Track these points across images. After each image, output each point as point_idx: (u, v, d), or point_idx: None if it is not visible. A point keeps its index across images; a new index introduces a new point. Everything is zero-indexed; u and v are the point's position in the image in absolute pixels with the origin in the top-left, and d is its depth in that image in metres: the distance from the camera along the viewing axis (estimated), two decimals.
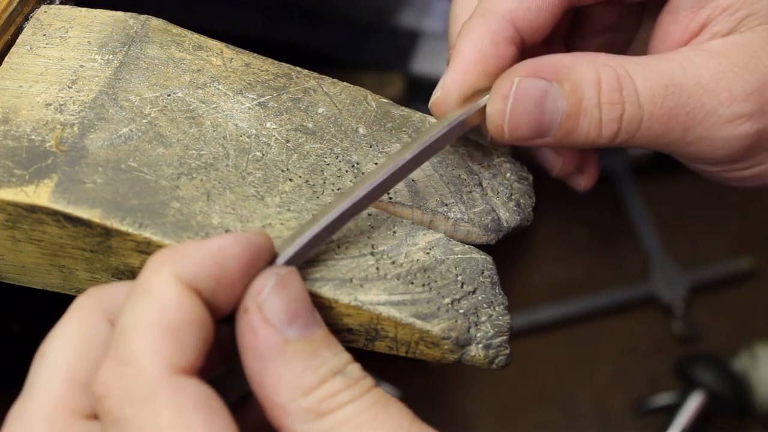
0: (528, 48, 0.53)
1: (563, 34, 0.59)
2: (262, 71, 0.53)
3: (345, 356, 0.42)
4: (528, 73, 0.49)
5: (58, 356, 0.41)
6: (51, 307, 0.75)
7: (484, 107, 0.50)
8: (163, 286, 0.40)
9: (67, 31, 0.53)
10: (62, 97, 0.50)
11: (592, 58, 0.50)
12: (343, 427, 0.40)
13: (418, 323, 0.46)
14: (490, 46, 0.50)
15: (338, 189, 0.50)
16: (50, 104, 0.49)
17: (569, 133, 0.50)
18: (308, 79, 0.53)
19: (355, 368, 0.42)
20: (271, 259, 0.43)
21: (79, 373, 0.41)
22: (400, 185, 0.51)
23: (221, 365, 0.46)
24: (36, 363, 0.42)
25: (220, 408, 0.39)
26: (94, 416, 0.41)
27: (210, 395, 0.39)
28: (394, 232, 0.49)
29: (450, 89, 0.51)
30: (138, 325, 0.39)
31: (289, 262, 0.44)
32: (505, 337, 0.48)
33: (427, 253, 0.49)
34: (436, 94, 0.51)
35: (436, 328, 0.46)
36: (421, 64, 1.14)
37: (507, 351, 0.48)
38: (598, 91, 0.49)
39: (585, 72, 0.49)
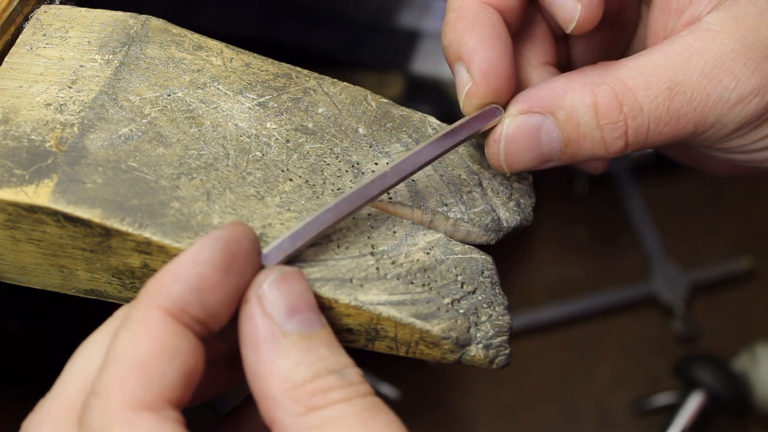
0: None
1: (565, 33, 0.59)
2: (262, 71, 0.53)
3: (345, 359, 0.42)
4: (519, 110, 0.50)
5: (83, 363, 0.42)
6: (51, 307, 0.75)
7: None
8: (141, 317, 0.40)
9: (67, 31, 0.53)
10: (62, 97, 0.50)
11: (587, 79, 0.49)
12: (331, 426, 0.40)
13: (418, 323, 0.46)
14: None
15: (338, 189, 0.50)
16: (50, 104, 0.49)
17: (574, 155, 0.50)
18: (308, 79, 0.53)
19: (353, 372, 0.42)
20: (254, 244, 0.44)
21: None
22: (400, 185, 0.51)
23: (232, 383, 0.46)
24: (67, 364, 0.43)
25: None
26: None
27: None
28: (394, 232, 0.49)
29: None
30: (112, 357, 0.40)
31: (274, 255, 0.44)
32: (505, 337, 0.48)
33: (427, 253, 0.49)
34: (472, 82, 0.50)
35: (436, 328, 0.46)
36: (421, 64, 1.14)
37: (507, 351, 0.48)
38: (596, 113, 0.49)
39: (579, 97, 0.49)
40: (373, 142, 0.52)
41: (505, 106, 0.51)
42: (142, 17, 0.53)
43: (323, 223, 0.46)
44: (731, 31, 0.49)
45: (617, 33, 0.59)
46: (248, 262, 0.43)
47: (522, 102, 0.50)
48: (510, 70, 0.50)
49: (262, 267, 0.44)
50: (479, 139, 0.53)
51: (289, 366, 0.41)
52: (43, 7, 0.54)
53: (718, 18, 0.50)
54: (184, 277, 0.41)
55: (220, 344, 0.45)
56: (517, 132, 0.50)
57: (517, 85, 0.52)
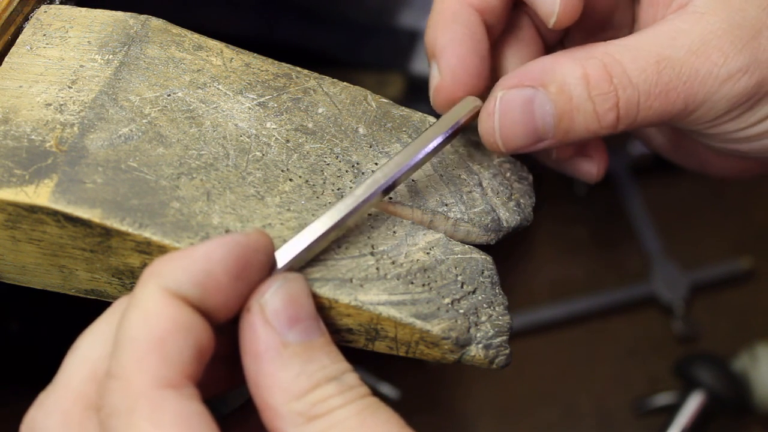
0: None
1: (559, 39, 0.59)
2: (262, 71, 0.53)
3: (343, 365, 0.42)
4: (511, 84, 0.50)
5: (86, 352, 0.42)
6: (51, 307, 0.75)
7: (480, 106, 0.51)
8: (148, 298, 0.40)
9: (67, 31, 0.53)
10: (62, 97, 0.50)
11: (575, 54, 0.50)
12: (331, 431, 0.40)
13: (418, 323, 0.46)
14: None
15: (338, 189, 0.50)
16: (50, 104, 0.49)
17: (568, 131, 0.50)
18: (308, 79, 0.53)
19: (352, 377, 0.42)
20: (270, 258, 0.43)
21: (103, 371, 0.41)
22: (400, 185, 0.51)
23: (230, 382, 0.46)
24: (67, 356, 0.43)
25: (203, 425, 0.39)
26: None
27: (194, 412, 0.39)
28: (394, 232, 0.49)
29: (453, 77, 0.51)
30: (125, 339, 0.40)
31: (289, 266, 0.44)
32: (505, 337, 0.48)
33: (427, 253, 0.49)
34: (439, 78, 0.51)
35: (436, 328, 0.46)
36: (421, 64, 1.14)
37: (507, 351, 0.48)
38: (587, 85, 0.49)
39: (569, 70, 0.49)
40: (373, 142, 0.52)
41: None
42: (142, 17, 0.53)
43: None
44: (717, 11, 0.50)
45: (611, 36, 0.59)
46: (259, 274, 0.43)
47: (513, 77, 0.50)
48: (480, 67, 0.51)
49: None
50: (479, 138, 0.53)
51: (291, 377, 0.41)
52: (43, 7, 0.54)
53: (705, 1, 0.51)
54: (191, 268, 0.41)
55: (220, 337, 0.45)
56: (510, 104, 0.49)
57: (492, 81, 0.52)
